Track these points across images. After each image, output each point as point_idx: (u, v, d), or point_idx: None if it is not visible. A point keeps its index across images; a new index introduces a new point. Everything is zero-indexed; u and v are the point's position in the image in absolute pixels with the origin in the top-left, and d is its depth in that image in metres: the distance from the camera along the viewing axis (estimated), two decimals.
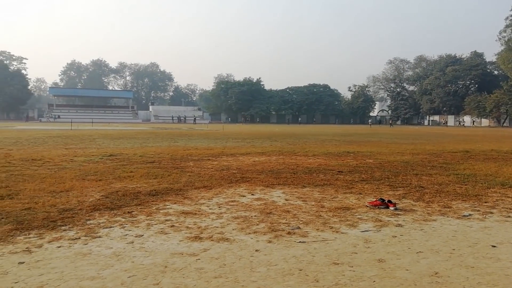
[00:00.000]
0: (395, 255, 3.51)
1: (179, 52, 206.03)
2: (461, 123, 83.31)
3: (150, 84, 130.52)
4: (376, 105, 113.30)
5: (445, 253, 3.59)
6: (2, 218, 4.42)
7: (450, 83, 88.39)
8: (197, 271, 3.10)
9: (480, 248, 3.75)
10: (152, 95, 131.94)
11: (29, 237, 3.82)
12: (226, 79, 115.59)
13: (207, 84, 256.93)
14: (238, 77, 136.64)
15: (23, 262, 3.22)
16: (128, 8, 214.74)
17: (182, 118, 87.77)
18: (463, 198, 5.87)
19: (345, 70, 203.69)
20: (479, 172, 8.57)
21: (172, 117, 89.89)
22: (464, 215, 4.91)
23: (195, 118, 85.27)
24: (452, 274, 3.11)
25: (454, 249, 3.69)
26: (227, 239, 3.88)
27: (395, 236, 4.06)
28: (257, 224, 4.40)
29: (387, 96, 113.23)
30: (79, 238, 3.84)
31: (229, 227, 4.28)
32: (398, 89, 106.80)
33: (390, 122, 77.29)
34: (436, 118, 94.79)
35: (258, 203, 5.45)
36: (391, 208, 5.13)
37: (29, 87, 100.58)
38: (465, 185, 6.98)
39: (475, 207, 5.38)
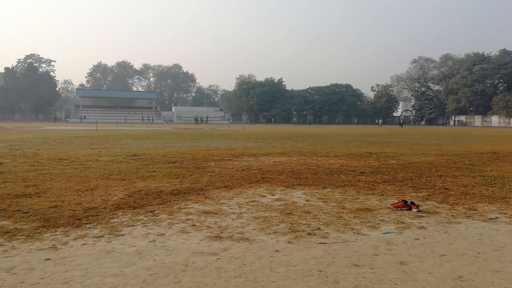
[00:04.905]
0: (418, 257, 3.45)
1: (202, 53, 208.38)
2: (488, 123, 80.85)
3: (173, 85, 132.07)
4: (400, 105, 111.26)
5: (469, 256, 3.50)
6: (30, 215, 4.58)
7: (477, 82, 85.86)
8: (217, 270, 3.13)
9: (507, 252, 3.64)
10: (175, 96, 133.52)
11: (55, 235, 3.94)
12: (247, 80, 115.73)
13: (229, 85, 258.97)
14: (260, 77, 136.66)
15: (49, 259, 3.32)
16: (152, 10, 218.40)
17: (204, 118, 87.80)
18: (490, 201, 5.71)
19: (368, 70, 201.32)
20: (507, 174, 8.31)
21: (195, 117, 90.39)
22: (490, 218, 4.78)
23: (197, 118, 76.38)
24: (477, 278, 3.03)
25: (479, 253, 3.60)
26: (247, 239, 3.90)
27: (418, 239, 3.98)
28: (277, 225, 4.40)
29: (411, 96, 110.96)
30: (103, 236, 3.94)
31: (249, 227, 4.29)
32: (422, 89, 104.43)
33: (401, 122, 74.58)
34: (462, 118, 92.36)
35: (278, 203, 5.45)
36: (414, 210, 5.04)
37: (57, 89, 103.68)
38: (492, 187, 6.79)
39: (502, 210, 5.22)
